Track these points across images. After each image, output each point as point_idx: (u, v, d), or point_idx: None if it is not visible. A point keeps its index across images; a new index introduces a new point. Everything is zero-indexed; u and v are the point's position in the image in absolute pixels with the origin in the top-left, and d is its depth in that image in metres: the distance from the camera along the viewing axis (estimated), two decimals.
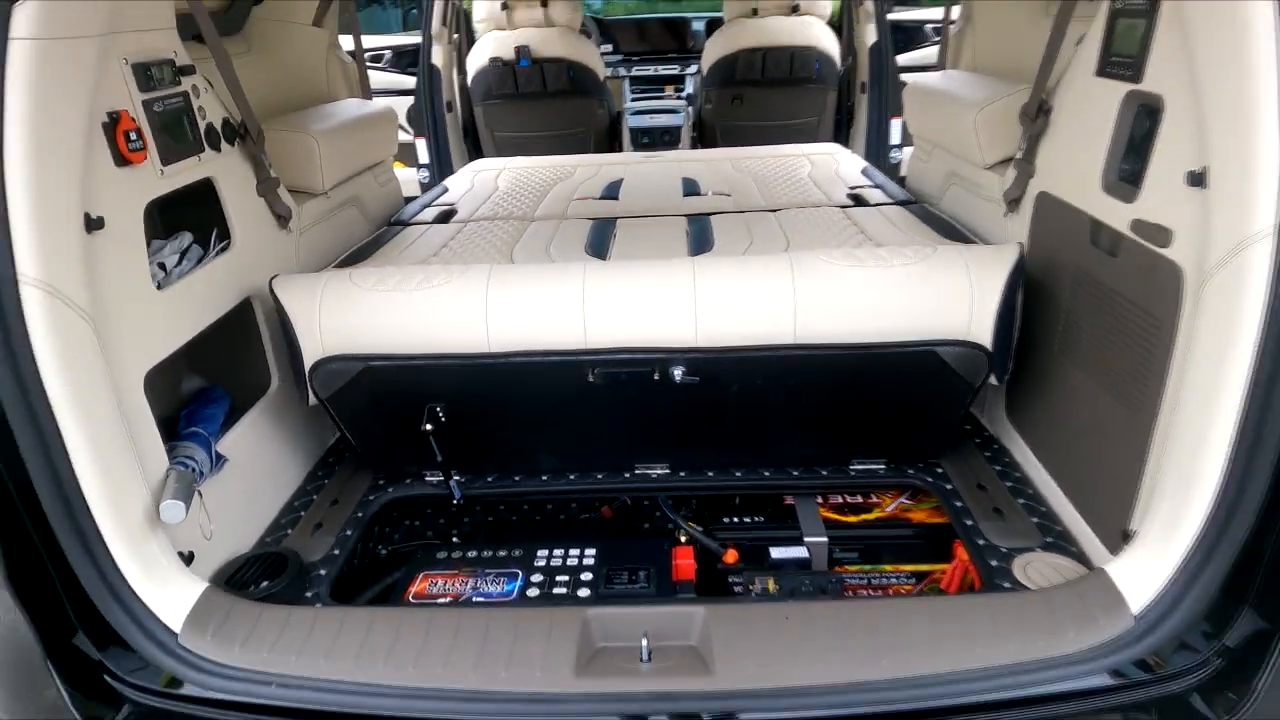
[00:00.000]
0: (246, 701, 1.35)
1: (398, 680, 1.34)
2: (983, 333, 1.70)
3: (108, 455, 1.36)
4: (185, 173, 1.71)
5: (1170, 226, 1.39)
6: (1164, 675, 1.31)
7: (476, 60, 4.35)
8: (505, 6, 4.33)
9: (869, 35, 4.07)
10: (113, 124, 1.47)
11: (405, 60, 5.14)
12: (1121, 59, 1.55)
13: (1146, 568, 1.35)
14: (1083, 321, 1.72)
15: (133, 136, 1.50)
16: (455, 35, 4.54)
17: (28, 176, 1.23)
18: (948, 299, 1.69)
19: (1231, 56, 1.19)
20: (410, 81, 4.51)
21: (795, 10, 4.30)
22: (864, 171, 3.10)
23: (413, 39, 4.91)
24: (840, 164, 3.20)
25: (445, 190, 3.17)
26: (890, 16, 4.23)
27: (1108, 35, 1.60)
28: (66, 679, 1.37)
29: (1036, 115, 1.86)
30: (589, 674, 1.34)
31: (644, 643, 1.37)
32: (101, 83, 1.43)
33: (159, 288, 1.61)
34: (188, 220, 1.82)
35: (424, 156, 4.42)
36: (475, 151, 4.70)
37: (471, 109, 4.60)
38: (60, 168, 1.31)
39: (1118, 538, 1.51)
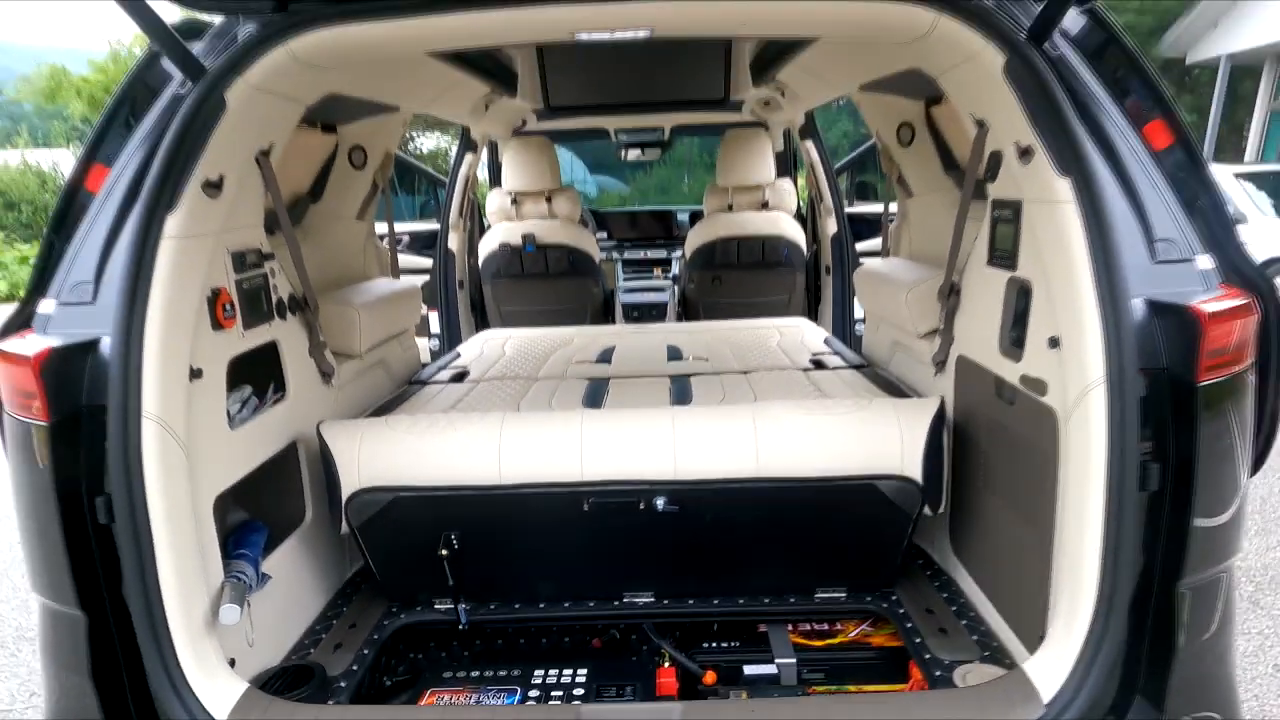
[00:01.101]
0: None
1: None
2: (913, 469, 2.03)
3: (183, 562, 1.63)
4: (259, 336, 2.10)
5: (1045, 379, 1.77)
6: None
7: (488, 245, 4.94)
8: (514, 201, 4.98)
9: (830, 227, 4.70)
10: (214, 297, 1.87)
11: (420, 243, 5.76)
12: (1002, 252, 2.00)
13: (1053, 663, 1.60)
14: (997, 461, 2.06)
15: (227, 308, 1.90)
16: (468, 224, 5.17)
17: (159, 337, 1.61)
18: (882, 441, 2.04)
19: (1059, 250, 1.62)
20: (426, 262, 5.07)
21: (765, 206, 4.97)
22: (826, 341, 3.56)
23: (428, 225, 5.55)
24: (805, 335, 3.66)
25: (458, 355, 3.59)
26: (850, 210, 4.89)
27: (991, 234, 2.07)
28: None
29: (949, 294, 2.31)
30: None
31: None
32: (211, 267, 1.85)
33: (231, 428, 1.94)
34: (250, 373, 2.18)
35: (436, 327, 4.90)
36: (482, 323, 5.20)
37: (480, 286, 5.14)
38: (179, 330, 1.69)
39: (1037, 643, 1.77)
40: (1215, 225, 1.85)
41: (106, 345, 1.57)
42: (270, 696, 1.72)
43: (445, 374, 3.20)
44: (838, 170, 4.89)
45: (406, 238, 6.16)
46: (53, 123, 24.95)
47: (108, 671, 1.57)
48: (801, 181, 5.69)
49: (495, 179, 5.63)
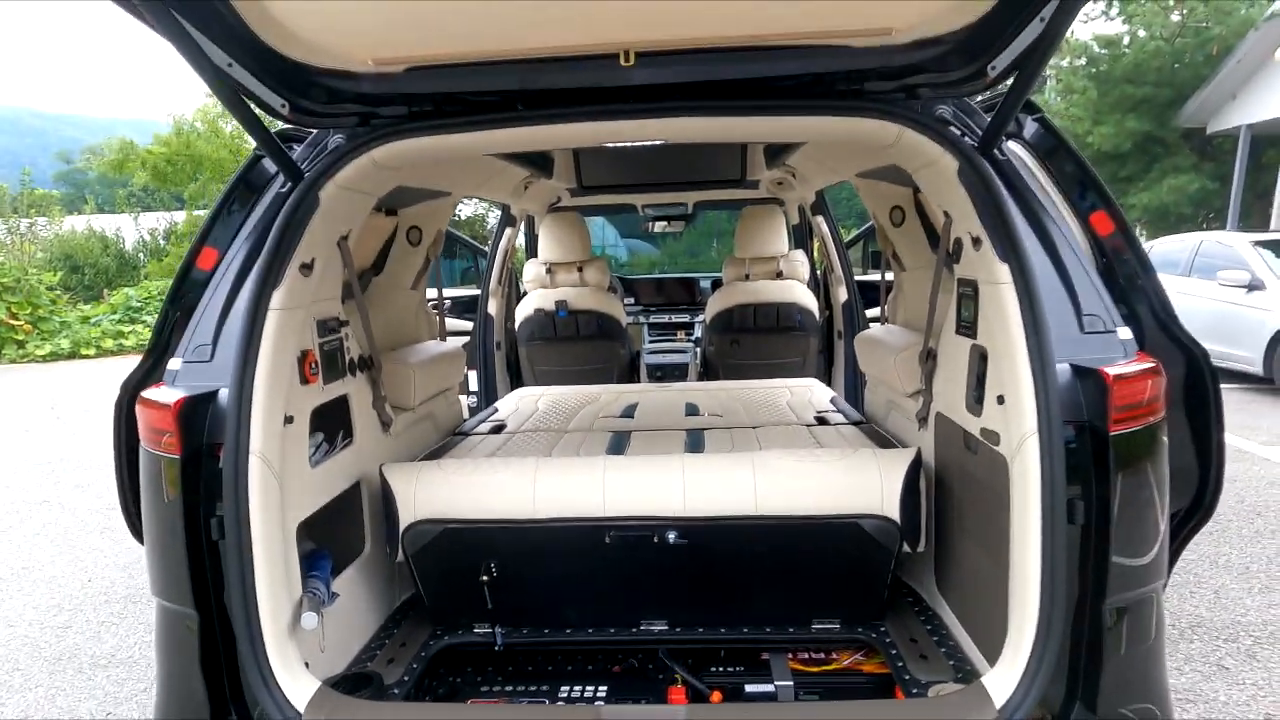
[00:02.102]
0: None
1: None
2: (892, 509, 2.33)
3: (274, 575, 1.98)
4: (335, 390, 2.48)
5: (997, 430, 2.07)
6: None
7: (524, 310, 5.37)
8: (549, 270, 5.43)
9: (841, 295, 5.05)
10: (303, 358, 2.26)
11: (460, 307, 6.23)
12: (966, 322, 2.33)
13: (1005, 675, 1.87)
14: (967, 504, 2.35)
15: (313, 366, 2.29)
16: (506, 290, 5.63)
17: (264, 389, 1.99)
18: (864, 485, 2.35)
19: (1002, 322, 1.95)
20: (467, 325, 5.51)
21: (779, 275, 5.35)
22: (832, 400, 3.87)
23: (468, 291, 6.02)
24: (813, 394, 3.98)
25: (496, 410, 3.97)
26: (863, 278, 5.25)
27: (958, 307, 2.40)
28: None
29: (927, 359, 2.63)
30: None
31: None
32: (302, 333, 2.25)
33: (311, 466, 2.31)
34: (325, 421, 2.56)
35: (474, 385, 5.31)
36: (517, 382, 5.60)
37: (516, 348, 5.56)
38: (278, 385, 2.08)
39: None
40: (1153, 300, 2.18)
41: (224, 395, 1.96)
42: (339, 694, 2.03)
43: (485, 426, 3.57)
44: (852, 241, 5.27)
45: (448, 302, 6.65)
46: (117, 190, 26.43)
47: (212, 661, 1.90)
48: (816, 253, 6.08)
49: (531, 250, 6.12)
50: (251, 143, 2.23)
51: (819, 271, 5.79)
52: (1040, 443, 1.80)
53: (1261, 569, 4.59)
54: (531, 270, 5.53)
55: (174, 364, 2.05)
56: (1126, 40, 18.56)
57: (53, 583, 4.87)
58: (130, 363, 2.46)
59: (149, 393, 1.96)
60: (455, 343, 3.80)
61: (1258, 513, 5.50)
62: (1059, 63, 19.82)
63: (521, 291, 5.82)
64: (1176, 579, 4.46)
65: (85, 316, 17.60)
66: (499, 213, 5.58)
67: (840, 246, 5.06)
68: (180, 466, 1.88)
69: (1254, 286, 9.70)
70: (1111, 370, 1.75)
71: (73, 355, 16.03)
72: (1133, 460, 1.79)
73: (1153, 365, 1.82)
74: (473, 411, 4.54)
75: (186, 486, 1.89)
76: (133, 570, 5.01)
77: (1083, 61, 18.88)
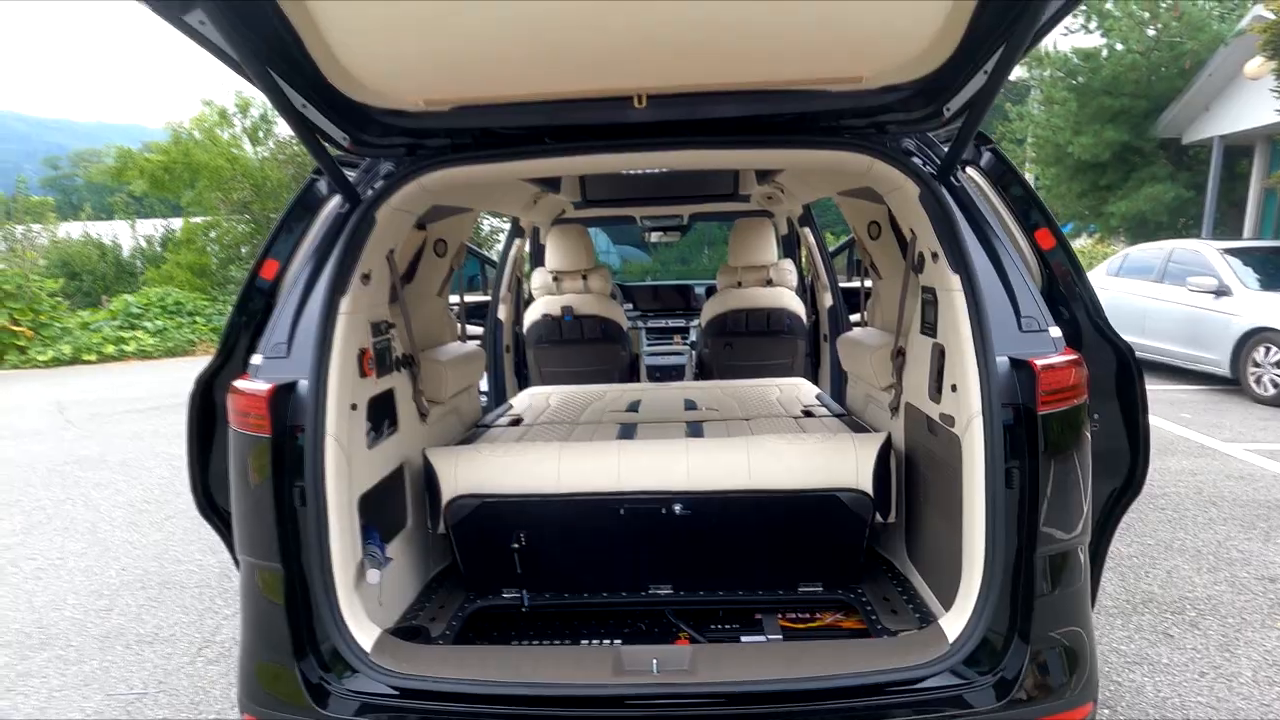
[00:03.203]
0: (414, 688, 2.20)
1: (498, 677, 2.19)
2: (865, 484, 2.72)
3: (344, 538, 2.34)
4: (385, 383, 2.85)
5: (952, 414, 2.46)
6: (979, 674, 2.14)
7: (532, 315, 5.75)
8: (556, 278, 5.82)
9: (826, 300, 5.45)
10: (361, 355, 2.63)
11: (468, 312, 6.60)
12: (928, 324, 2.72)
13: (957, 616, 2.25)
14: (931, 481, 2.73)
15: (370, 362, 2.66)
16: (514, 297, 6.01)
17: (335, 381, 2.36)
18: (841, 464, 2.74)
19: (954, 323, 2.34)
20: (477, 330, 5.88)
21: (769, 283, 5.76)
22: (817, 396, 4.27)
23: (478, 298, 6.39)
24: (800, 391, 4.38)
25: (511, 406, 4.34)
26: (848, 284, 5.65)
27: (922, 311, 2.79)
28: (302, 674, 2.23)
29: (897, 356, 3.02)
30: (620, 675, 2.20)
31: (654, 662, 2.24)
32: (361, 333, 2.62)
33: (369, 448, 2.68)
34: (376, 411, 2.92)
35: (484, 386, 5.67)
36: (524, 383, 5.97)
37: (524, 351, 5.94)
38: (345, 377, 2.44)
39: None
40: (1087, 303, 2.58)
41: (302, 386, 2.32)
42: (396, 639, 2.40)
43: (504, 420, 3.94)
44: (836, 251, 5.68)
45: (458, 307, 7.02)
46: (114, 197, 26.59)
47: (294, 609, 2.25)
48: (804, 261, 6.49)
49: (537, 260, 6.50)
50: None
51: (807, 279, 6.20)
52: (984, 422, 2.18)
53: (1211, 551, 5.01)
54: (539, 278, 5.91)
55: (255, 359, 2.41)
56: (1105, 53, 19.11)
57: (88, 572, 5.19)
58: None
59: (240, 383, 2.31)
60: (475, 345, 4.17)
61: (1213, 502, 5.93)
62: (1041, 74, 20.37)
63: (529, 298, 6.19)
64: (1134, 560, 4.88)
65: (85, 323, 17.83)
66: (490, 221, 5.97)
67: (825, 256, 5.46)
68: (271, 446, 2.24)
69: (1221, 292, 10.17)
70: (1040, 361, 2.14)
71: (74, 361, 16.27)
72: (1059, 435, 2.17)
73: (1075, 358, 2.21)
74: (485, 412, 4.91)
75: (275, 463, 2.25)
76: (163, 560, 5.35)
77: (1063, 74, 19.42)
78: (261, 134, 24.41)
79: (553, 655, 2.35)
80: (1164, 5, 18.13)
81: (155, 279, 21.88)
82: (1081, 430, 2.21)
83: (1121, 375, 2.57)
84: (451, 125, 2.50)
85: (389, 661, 2.25)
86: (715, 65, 2.21)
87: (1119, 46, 18.81)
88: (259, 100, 22.17)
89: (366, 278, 2.59)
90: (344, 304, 2.44)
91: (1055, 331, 2.29)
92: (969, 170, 2.81)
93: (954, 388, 2.39)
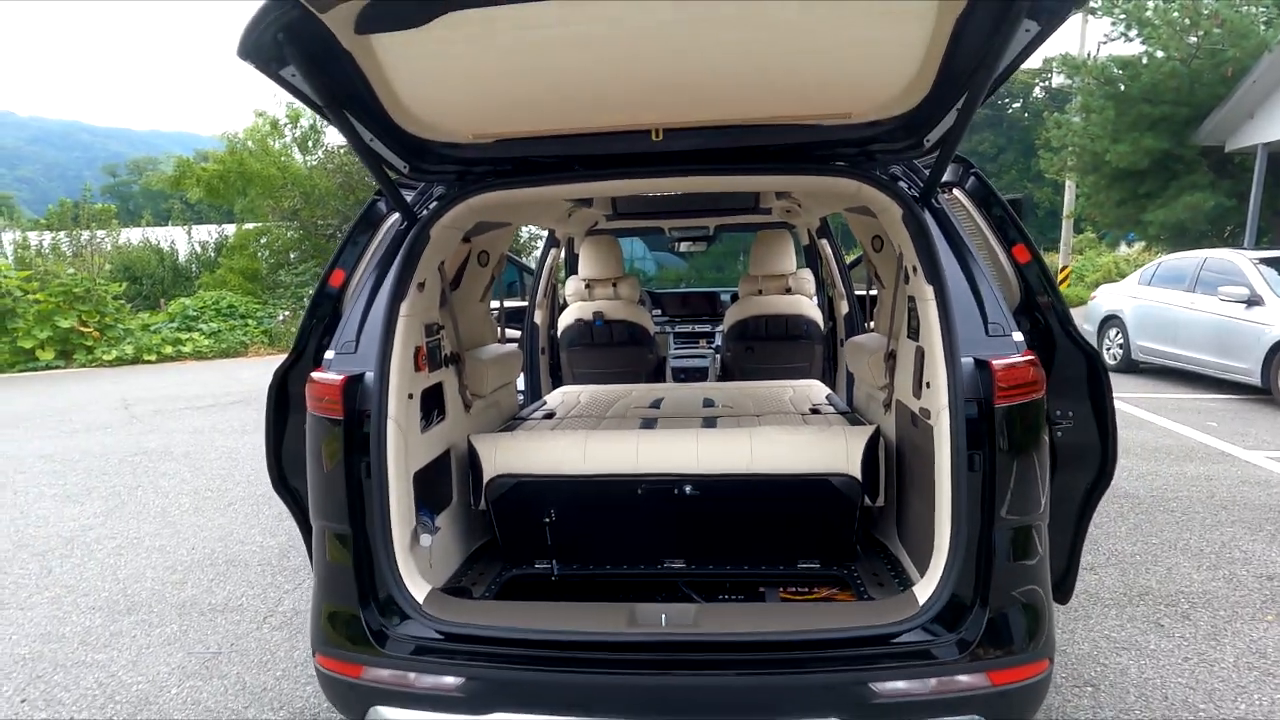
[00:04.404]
0: (459, 633, 2.59)
1: (534, 625, 2.58)
2: (855, 470, 3.05)
3: (401, 507, 2.75)
4: (435, 377, 3.27)
5: (929, 408, 2.79)
6: (945, 631, 2.46)
7: (565, 320, 6.17)
8: (588, 286, 6.23)
9: (843, 308, 5.78)
10: (416, 352, 3.04)
11: (506, 316, 7.04)
12: (913, 329, 3.05)
13: (928, 584, 2.57)
14: (915, 468, 3.06)
15: (422, 359, 3.08)
16: (549, 303, 6.44)
17: (396, 374, 2.77)
18: (833, 451, 3.08)
19: (929, 329, 2.67)
20: (515, 333, 6.32)
21: (788, 291, 6.10)
22: (827, 397, 4.60)
23: (516, 303, 6.83)
24: (812, 392, 4.71)
25: (544, 403, 4.74)
26: (859, 292, 5.97)
27: (908, 317, 3.12)
28: (365, 620, 2.64)
29: (889, 358, 3.35)
30: (633, 627, 2.57)
31: (663, 617, 2.61)
32: (416, 334, 3.04)
33: (422, 432, 3.09)
34: (428, 402, 3.33)
35: (520, 385, 6.10)
36: (557, 383, 6.39)
37: (557, 353, 6.36)
38: (404, 370, 2.86)
39: None
40: (1058, 312, 2.89)
41: (369, 377, 2.73)
42: (445, 595, 2.80)
43: (538, 414, 4.35)
44: (854, 262, 5.99)
45: (498, 311, 7.48)
46: (172, 204, 27.79)
47: (360, 565, 2.67)
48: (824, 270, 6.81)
49: (571, 268, 6.92)
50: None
51: (826, 287, 6.53)
52: (950, 414, 2.51)
53: (1213, 551, 5.20)
54: (572, 285, 6.32)
55: (329, 355, 2.83)
56: (1144, 61, 18.99)
57: (162, 550, 5.73)
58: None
59: (317, 375, 2.73)
60: (513, 346, 4.59)
61: (1224, 506, 6.09)
62: (1081, 81, 20.28)
63: (562, 304, 6.61)
64: (1137, 558, 5.10)
65: (145, 324, 18.80)
66: (527, 233, 6.41)
67: (842, 265, 5.79)
68: (343, 428, 2.66)
69: (1253, 302, 10.19)
70: (997, 361, 2.46)
71: (135, 360, 17.20)
72: (1016, 425, 2.48)
73: (1031, 358, 2.52)
74: (521, 409, 5.34)
75: (346, 442, 2.67)
76: (228, 541, 5.86)
77: (1100, 81, 19.33)
78: (311, 144, 25.42)
79: (577, 610, 2.73)
80: (1205, 12, 17.96)
81: (210, 283, 22.89)
82: (1038, 421, 2.53)
83: (1091, 378, 2.87)
84: (495, 155, 2.90)
85: (437, 611, 2.65)
86: (722, 103, 2.59)
87: (1159, 54, 18.68)
88: (309, 111, 23.13)
89: (421, 285, 3.01)
90: (403, 308, 2.86)
91: (1018, 336, 2.61)
92: (955, 192, 3.14)
93: (928, 384, 2.72)
